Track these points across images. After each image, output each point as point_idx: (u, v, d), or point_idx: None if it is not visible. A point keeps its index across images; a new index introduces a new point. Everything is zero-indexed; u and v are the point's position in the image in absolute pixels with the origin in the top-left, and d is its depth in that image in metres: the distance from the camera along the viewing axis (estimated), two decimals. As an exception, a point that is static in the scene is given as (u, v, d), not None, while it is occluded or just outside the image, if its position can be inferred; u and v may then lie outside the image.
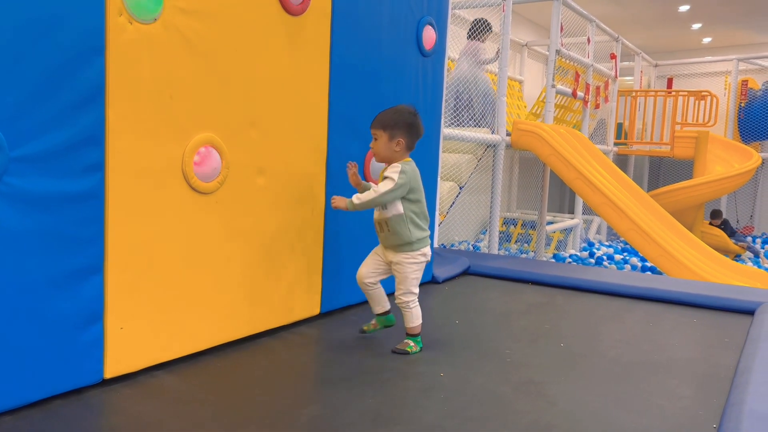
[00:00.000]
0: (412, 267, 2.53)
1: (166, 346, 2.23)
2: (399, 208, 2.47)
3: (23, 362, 1.82)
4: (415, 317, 2.55)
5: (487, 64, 6.39)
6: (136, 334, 2.11)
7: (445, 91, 5.91)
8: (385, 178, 2.45)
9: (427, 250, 2.57)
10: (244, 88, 2.41)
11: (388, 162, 2.52)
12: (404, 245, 2.51)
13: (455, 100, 6.00)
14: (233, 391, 2.06)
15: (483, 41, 6.41)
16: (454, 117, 5.97)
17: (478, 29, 6.39)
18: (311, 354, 2.60)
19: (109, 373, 2.05)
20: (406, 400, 2.06)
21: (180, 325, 2.26)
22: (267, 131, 2.54)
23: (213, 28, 2.26)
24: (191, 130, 2.23)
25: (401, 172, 2.44)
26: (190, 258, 2.27)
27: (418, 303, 2.55)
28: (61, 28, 1.82)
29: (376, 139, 2.50)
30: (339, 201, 2.50)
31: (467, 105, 6.01)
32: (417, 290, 2.57)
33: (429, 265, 3.77)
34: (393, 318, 2.70)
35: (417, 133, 2.52)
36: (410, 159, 2.54)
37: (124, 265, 2.05)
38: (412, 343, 2.52)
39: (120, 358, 2.08)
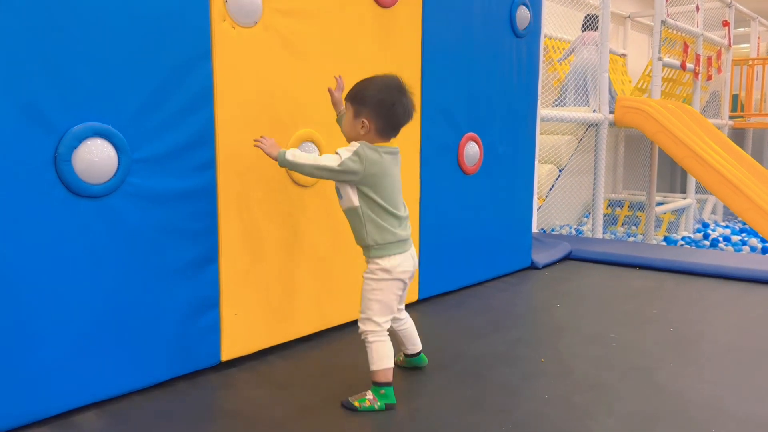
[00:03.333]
0: (369, 284, 1.94)
1: (275, 331, 2.36)
2: (353, 199, 1.92)
3: (149, 346, 2.00)
4: (375, 357, 1.90)
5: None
6: (248, 319, 2.26)
7: (571, 75, 6.00)
8: (336, 152, 1.90)
9: (398, 263, 1.93)
10: (340, 83, 2.49)
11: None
12: (363, 249, 1.99)
13: (580, 83, 6.00)
14: (336, 378, 2.15)
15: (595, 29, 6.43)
16: (579, 99, 5.97)
17: (593, 21, 6.36)
18: (412, 339, 2.66)
19: (225, 356, 2.21)
20: (506, 387, 2.07)
21: (286, 312, 2.39)
22: (363, 123, 2.61)
23: (309, 26, 2.35)
24: (292, 126, 2.34)
25: (355, 153, 1.86)
26: (292, 248, 2.39)
27: (383, 338, 1.92)
28: (172, 38, 1.97)
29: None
30: (270, 147, 1.97)
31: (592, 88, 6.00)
32: (382, 319, 1.92)
33: (527, 251, 3.73)
34: (421, 360, 2.21)
35: (392, 117, 1.91)
36: (390, 145, 1.97)
37: (235, 255, 2.19)
38: (369, 396, 1.89)
39: (235, 342, 2.23)
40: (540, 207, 5.74)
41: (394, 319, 2.04)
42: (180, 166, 2.02)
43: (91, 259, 1.84)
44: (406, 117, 1.94)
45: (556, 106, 6.17)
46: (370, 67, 2.61)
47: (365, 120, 1.90)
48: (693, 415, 1.87)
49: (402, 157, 2.80)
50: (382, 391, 1.89)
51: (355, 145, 1.89)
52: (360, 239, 1.97)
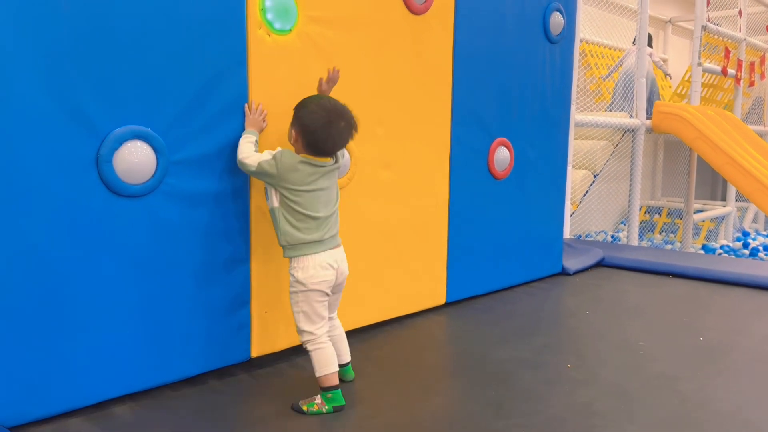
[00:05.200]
0: (291, 296, 1.98)
1: (304, 330, 2.42)
2: (274, 201, 2.01)
3: (182, 342, 2.07)
4: (316, 365, 1.95)
5: (658, 66, 6.90)
6: (278, 317, 2.32)
7: (620, 83, 6.04)
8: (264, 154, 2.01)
9: (310, 274, 1.94)
10: (371, 88, 2.54)
11: None
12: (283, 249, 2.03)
13: (628, 90, 6.05)
14: (363, 377, 2.19)
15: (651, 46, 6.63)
16: (625, 104, 5.97)
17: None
18: (436, 343, 2.68)
19: (255, 352, 2.27)
20: (530, 392, 2.08)
21: (316, 311, 2.44)
22: (392, 127, 2.66)
23: (342, 33, 2.41)
24: (323, 130, 2.39)
25: (273, 158, 1.96)
26: (324, 249, 2.44)
27: (322, 345, 1.95)
28: (210, 45, 2.04)
29: None
30: (248, 122, 2.11)
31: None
32: (312, 327, 1.96)
33: (558, 256, 3.72)
34: (350, 370, 2.18)
35: (312, 141, 1.96)
36: (323, 160, 2.00)
37: (266, 255, 2.26)
38: (318, 400, 1.94)
39: (264, 339, 2.29)
40: (573, 213, 5.69)
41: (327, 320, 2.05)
42: (215, 168, 2.09)
43: (129, 256, 1.92)
44: (329, 145, 1.98)
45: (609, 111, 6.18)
46: (402, 73, 2.67)
47: (293, 132, 2.02)
48: (717, 425, 1.85)
49: (431, 161, 2.87)
50: (329, 395, 1.94)
51: (278, 150, 2.00)
52: (278, 237, 2.03)
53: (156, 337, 2.01)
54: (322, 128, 1.95)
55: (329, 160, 2.02)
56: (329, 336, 2.04)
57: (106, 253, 1.87)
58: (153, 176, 1.93)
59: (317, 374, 1.95)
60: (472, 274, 3.14)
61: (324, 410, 1.93)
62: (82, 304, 1.84)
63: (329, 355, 1.96)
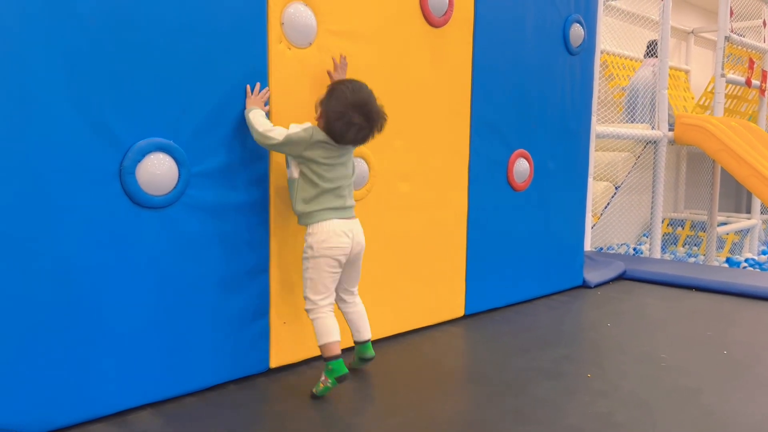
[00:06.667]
0: (303, 262, 2.05)
1: (323, 341, 2.43)
2: (294, 173, 2.06)
3: (202, 351, 2.10)
4: (317, 333, 2.01)
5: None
6: (296, 328, 2.33)
7: (627, 94, 5.98)
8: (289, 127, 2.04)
9: (323, 238, 1.99)
10: (389, 101, 2.54)
11: None
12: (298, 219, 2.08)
13: (633, 101, 5.98)
14: (383, 385, 2.19)
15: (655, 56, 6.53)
16: (629, 114, 5.90)
17: (656, 48, 6.35)
18: (454, 353, 2.68)
19: (274, 362, 2.29)
20: (548, 401, 2.07)
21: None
22: (410, 139, 2.67)
23: (361, 46, 2.44)
24: (342, 142, 2.41)
25: (303, 131, 2.00)
26: (343, 260, 2.46)
27: (321, 315, 2.01)
28: (231, 58, 2.08)
29: None
30: (250, 99, 2.10)
31: (642, 106, 5.93)
32: (316, 297, 2.02)
33: (579, 269, 3.69)
34: (369, 347, 2.21)
35: (332, 127, 1.98)
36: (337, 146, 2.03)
37: (285, 266, 2.28)
38: (322, 378, 2.01)
39: (283, 349, 2.31)
40: (595, 225, 5.65)
41: (341, 300, 2.12)
42: (236, 180, 2.12)
43: (151, 266, 1.96)
44: (346, 139, 2.01)
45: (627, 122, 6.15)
46: (421, 84, 2.68)
47: (318, 112, 2.05)
48: (741, 439, 1.82)
49: (450, 173, 2.87)
50: (330, 367, 1.97)
51: (310, 126, 2.03)
52: (293, 207, 2.07)
53: (176, 347, 2.03)
54: (339, 121, 1.98)
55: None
56: (347, 314, 2.12)
57: (128, 263, 1.91)
58: (175, 188, 1.97)
59: (318, 343, 2.00)
60: (491, 286, 3.13)
61: (329, 385, 1.97)
62: (105, 314, 1.87)
63: (329, 325, 1.99)
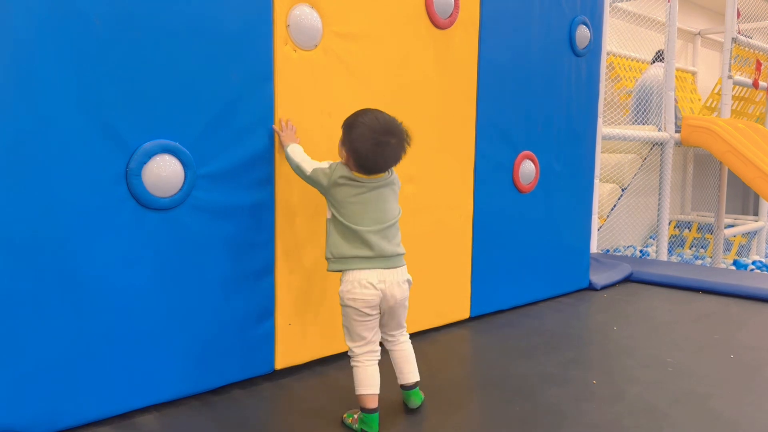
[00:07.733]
0: (342, 303, 1.91)
1: (328, 342, 2.43)
2: (328, 212, 1.98)
3: (208, 353, 2.10)
4: (355, 382, 1.89)
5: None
6: (302, 329, 2.33)
7: (634, 95, 5.93)
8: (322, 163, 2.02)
9: (347, 288, 1.87)
10: (395, 102, 2.55)
11: None
12: None
13: (641, 102, 5.94)
14: (387, 389, 2.18)
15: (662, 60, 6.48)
16: (639, 114, 5.89)
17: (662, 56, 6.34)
18: (460, 357, 2.67)
19: (279, 364, 2.28)
20: (554, 408, 2.06)
21: (339, 323, 2.44)
22: (416, 141, 2.62)
23: (366, 48, 2.43)
24: (348, 144, 2.41)
25: (329, 167, 1.96)
26: (348, 262, 2.45)
27: (358, 364, 1.89)
28: (237, 61, 2.08)
29: None
30: (286, 137, 2.14)
31: (656, 106, 5.89)
32: (352, 344, 1.91)
33: (585, 271, 3.68)
34: (416, 395, 2.03)
35: (362, 163, 1.89)
36: (374, 177, 1.93)
37: (291, 267, 2.28)
38: (357, 415, 1.89)
39: (288, 351, 2.30)
40: (601, 227, 5.62)
41: (385, 340, 2.00)
42: (241, 182, 2.12)
43: (157, 268, 1.96)
44: (381, 165, 1.91)
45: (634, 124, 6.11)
46: (427, 85, 2.68)
47: (344, 152, 1.94)
48: (749, 444, 1.81)
49: (456, 174, 2.86)
50: (363, 417, 1.86)
51: (334, 163, 1.97)
52: (325, 253, 1.97)
53: (182, 348, 2.03)
54: (372, 149, 1.87)
55: (382, 176, 1.95)
56: (391, 352, 1.99)
57: (134, 265, 1.91)
58: (181, 189, 1.97)
59: (355, 392, 1.89)
60: (497, 288, 3.12)
61: (354, 427, 1.87)
62: (111, 315, 1.87)
63: (367, 376, 1.87)
